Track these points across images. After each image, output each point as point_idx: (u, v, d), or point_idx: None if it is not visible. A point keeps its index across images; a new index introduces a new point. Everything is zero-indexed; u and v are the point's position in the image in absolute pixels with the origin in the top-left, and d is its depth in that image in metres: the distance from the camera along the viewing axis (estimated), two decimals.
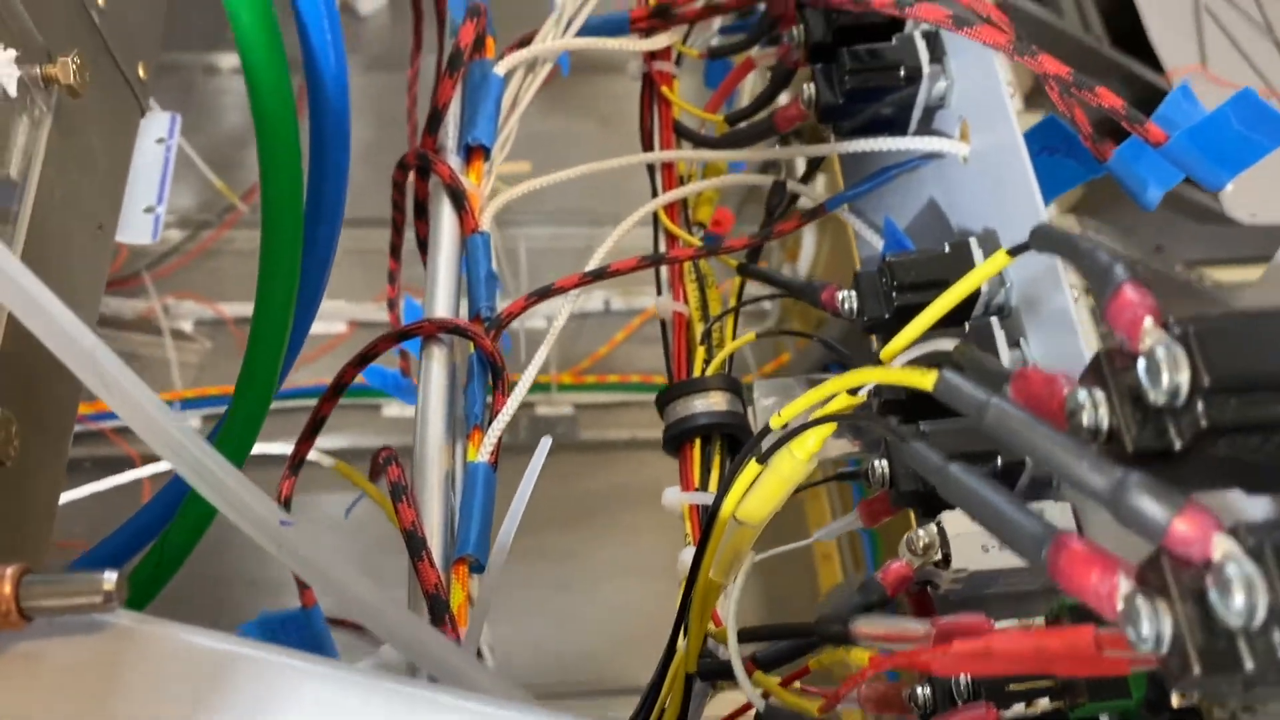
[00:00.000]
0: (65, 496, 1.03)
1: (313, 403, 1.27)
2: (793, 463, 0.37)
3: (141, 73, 0.53)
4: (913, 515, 0.48)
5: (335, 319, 1.30)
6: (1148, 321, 0.25)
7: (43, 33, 0.44)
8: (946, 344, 0.33)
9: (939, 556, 0.43)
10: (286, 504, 0.53)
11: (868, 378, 0.32)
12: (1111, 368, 0.26)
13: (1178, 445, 0.25)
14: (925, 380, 0.28)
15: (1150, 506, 0.23)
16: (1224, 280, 1.26)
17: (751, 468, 0.38)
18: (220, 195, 1.28)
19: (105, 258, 0.49)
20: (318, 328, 1.31)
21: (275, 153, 0.28)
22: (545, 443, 0.33)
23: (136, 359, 1.25)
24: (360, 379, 0.62)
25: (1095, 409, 0.26)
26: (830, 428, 0.36)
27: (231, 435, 0.33)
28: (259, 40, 0.27)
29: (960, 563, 0.43)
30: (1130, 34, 1.30)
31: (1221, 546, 0.22)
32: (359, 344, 1.48)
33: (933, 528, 0.43)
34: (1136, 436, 0.25)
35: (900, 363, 0.34)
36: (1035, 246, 0.30)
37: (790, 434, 0.36)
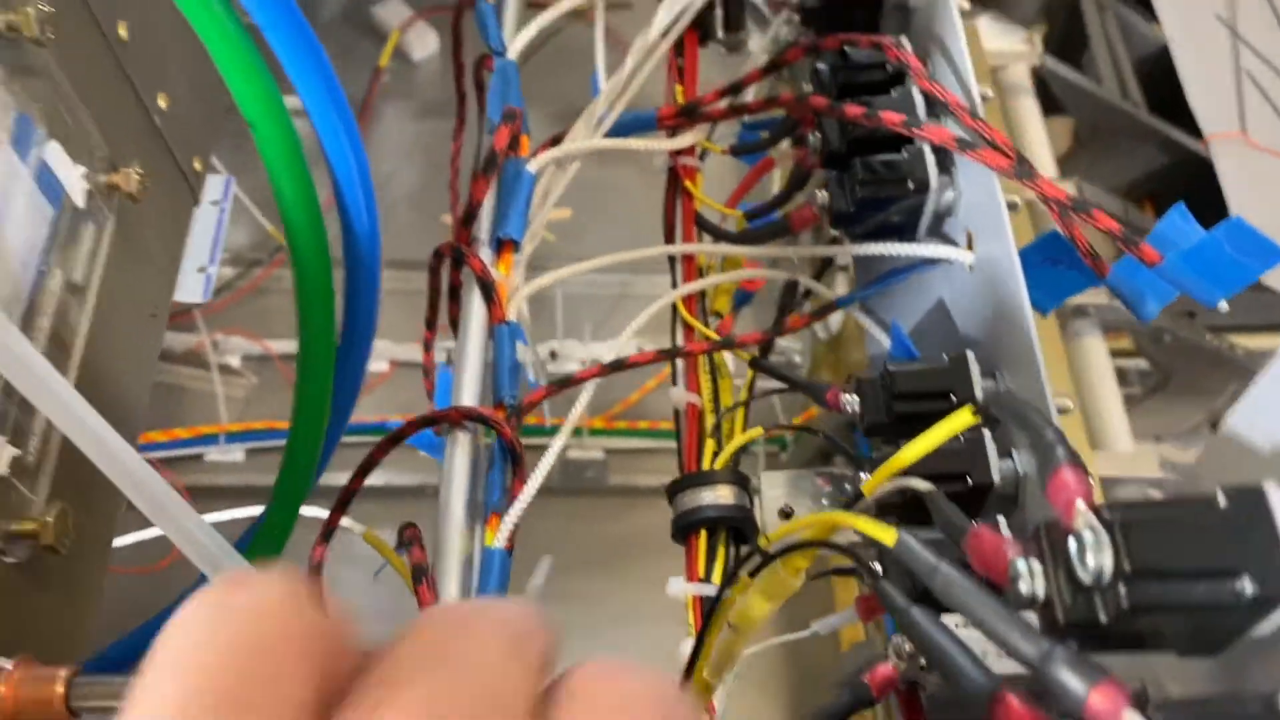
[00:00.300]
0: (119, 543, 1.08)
1: (352, 439, 1.30)
2: (781, 579, 0.40)
3: (198, 166, 0.57)
4: None
5: (378, 358, 1.34)
6: (1079, 504, 0.27)
7: (109, 143, 0.48)
8: (923, 485, 0.35)
9: (924, 661, 0.45)
10: (318, 568, 0.57)
11: (840, 522, 0.34)
12: (1049, 540, 0.29)
13: (1104, 619, 0.27)
14: (887, 536, 0.31)
15: (1070, 679, 0.26)
16: (1254, 347, 1.27)
17: (745, 581, 0.41)
18: (270, 236, 1.33)
19: (158, 341, 0.53)
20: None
21: (312, 303, 0.32)
22: (545, 562, 0.36)
23: (185, 392, 1.30)
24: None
25: (1032, 578, 0.28)
26: (814, 552, 0.38)
27: (265, 539, 0.37)
28: (300, 216, 0.30)
29: None
30: (1169, 100, 1.31)
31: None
32: (401, 383, 1.52)
33: None
34: (1068, 608, 0.28)
35: (881, 492, 0.37)
36: (994, 412, 0.33)
37: (780, 552, 0.39)
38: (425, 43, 1.51)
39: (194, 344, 1.31)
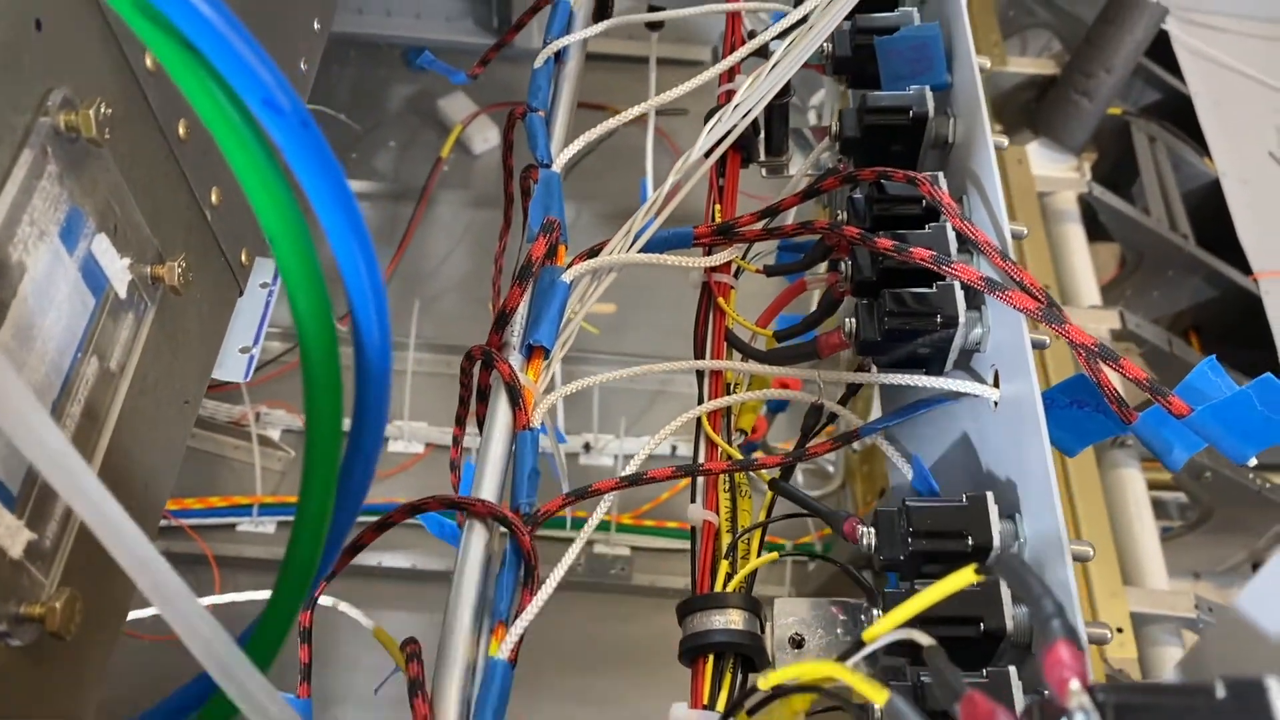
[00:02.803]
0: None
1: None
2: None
3: (244, 258, 0.59)
4: None
5: (414, 440, 1.35)
6: (1074, 684, 0.27)
7: (158, 236, 0.49)
8: (925, 640, 0.35)
9: None
10: (307, 634, 0.57)
11: (833, 674, 0.34)
12: (1043, 717, 0.28)
13: None
14: (879, 696, 0.30)
15: None
16: None
17: (743, 718, 0.40)
18: None
19: (187, 428, 0.54)
20: (397, 446, 1.36)
21: (320, 409, 0.32)
22: None
23: (224, 461, 1.32)
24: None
25: None
26: (813, 695, 0.38)
27: (264, 635, 0.37)
28: (313, 322, 0.31)
29: None
30: (1218, 234, 1.30)
31: None
32: (434, 465, 1.52)
33: None
34: None
35: (884, 642, 0.37)
36: (999, 573, 0.33)
37: (778, 694, 0.38)
38: (486, 136, 1.56)
39: (238, 414, 1.34)
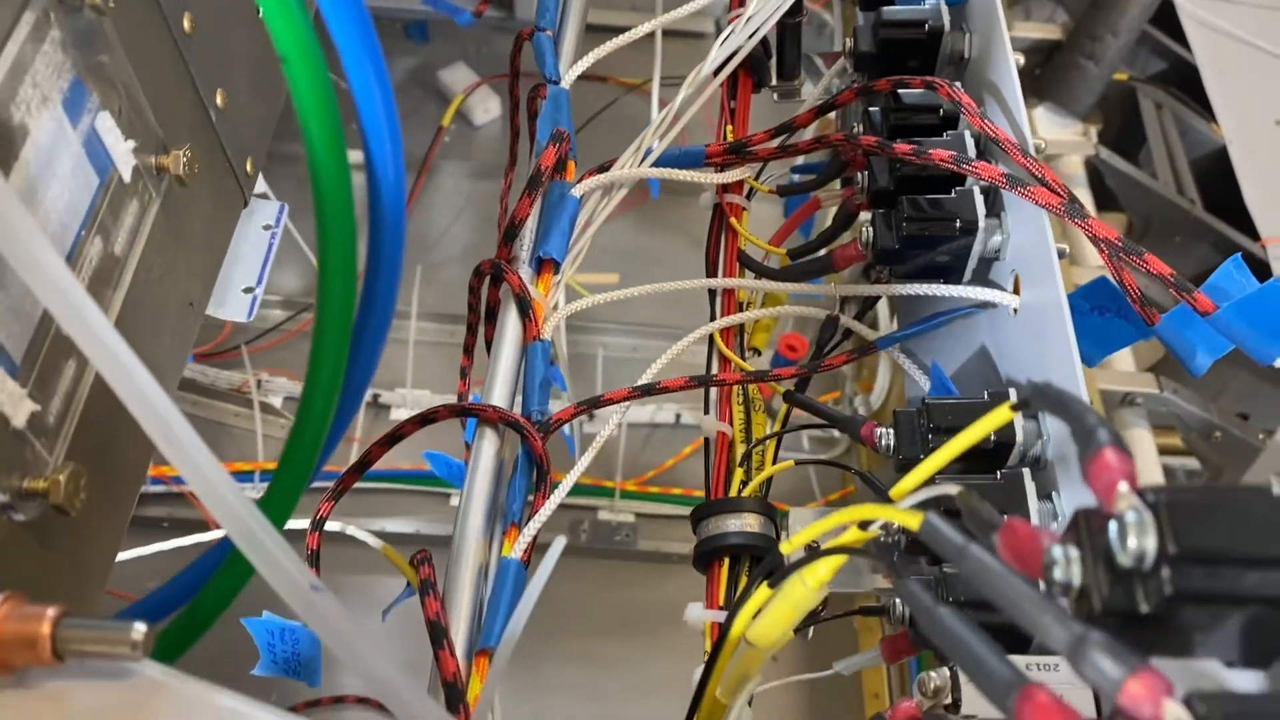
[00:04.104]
0: (140, 552, 1.08)
1: (383, 485, 1.28)
2: (803, 590, 0.38)
3: (249, 168, 0.58)
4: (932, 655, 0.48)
5: (416, 408, 1.34)
6: (1122, 486, 0.26)
7: (162, 127, 0.48)
8: (953, 488, 0.34)
9: (949, 700, 0.43)
10: (315, 557, 0.56)
11: (869, 513, 0.33)
12: (1088, 527, 0.27)
13: (1144, 609, 0.25)
14: (912, 521, 0.29)
15: (1107, 665, 0.24)
16: None
17: (763, 591, 0.39)
18: None
19: (192, 332, 0.53)
20: (399, 414, 1.35)
21: (332, 252, 0.31)
22: (559, 542, 0.34)
23: (225, 428, 1.31)
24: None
25: (1069, 565, 0.27)
26: (841, 558, 0.37)
27: (277, 493, 0.36)
28: (328, 157, 0.30)
29: (970, 709, 0.43)
30: (1225, 200, 1.29)
31: (1172, 712, 0.23)
32: (436, 432, 1.51)
33: (945, 671, 0.44)
34: (1105, 596, 0.26)
35: (909, 502, 0.35)
36: (1033, 403, 0.31)
37: (801, 561, 0.37)
38: (487, 108, 1.55)
39: (240, 382, 1.32)
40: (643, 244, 1.47)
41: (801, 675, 0.51)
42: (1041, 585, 0.28)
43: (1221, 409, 1.17)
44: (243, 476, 1.27)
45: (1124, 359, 1.14)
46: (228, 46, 0.55)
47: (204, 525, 1.21)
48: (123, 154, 0.45)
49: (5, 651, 0.31)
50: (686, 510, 1.34)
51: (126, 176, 0.45)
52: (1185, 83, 1.40)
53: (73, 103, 0.42)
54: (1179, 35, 1.40)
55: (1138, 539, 0.25)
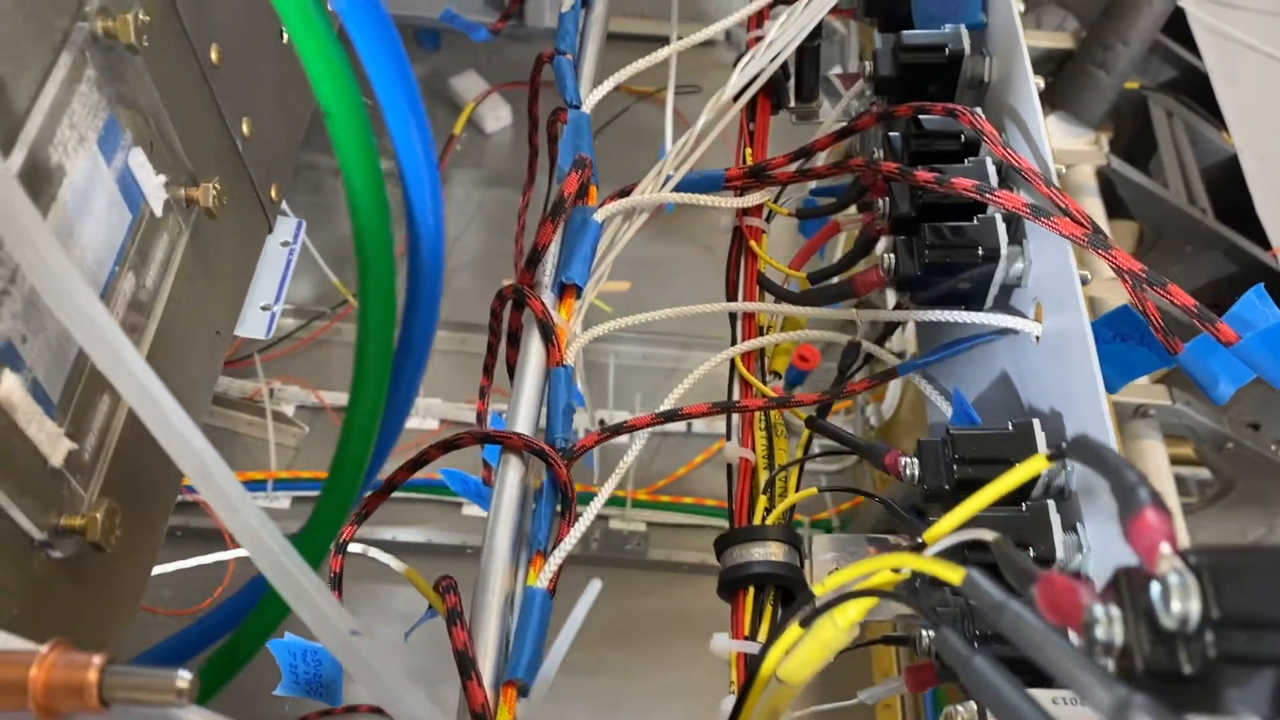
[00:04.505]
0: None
1: (400, 494, 1.28)
2: (834, 630, 0.38)
3: (274, 194, 0.58)
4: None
5: (428, 416, 1.35)
6: (1164, 547, 0.26)
7: (191, 159, 0.49)
8: (989, 535, 0.34)
9: None
10: (338, 580, 0.56)
11: (905, 562, 0.33)
12: (1130, 586, 0.27)
13: (1187, 670, 0.26)
14: (954, 576, 0.29)
15: None
16: None
17: (794, 630, 0.39)
18: (336, 290, 1.35)
19: (218, 361, 0.54)
20: (412, 423, 1.35)
21: (372, 304, 0.31)
22: (594, 586, 0.35)
23: (238, 437, 1.31)
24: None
25: (1110, 625, 0.27)
26: (871, 601, 0.37)
27: (313, 536, 0.36)
28: (369, 205, 0.30)
29: None
30: (1236, 209, 1.29)
31: None
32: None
33: (972, 705, 0.44)
34: (1148, 656, 0.26)
35: (944, 545, 0.36)
36: (1070, 455, 0.32)
37: (832, 602, 0.38)
38: (499, 115, 1.55)
39: (251, 390, 1.33)
40: (654, 251, 1.47)
41: (823, 705, 0.51)
42: (1076, 639, 0.28)
43: (1233, 420, 1.17)
44: (255, 485, 1.27)
45: None
46: (252, 74, 0.55)
47: (218, 535, 1.21)
48: (154, 189, 0.45)
49: (53, 699, 0.31)
50: (698, 519, 1.35)
51: (158, 211, 0.46)
52: (1196, 91, 1.40)
53: (107, 141, 0.42)
54: (1189, 43, 1.40)
55: (1181, 602, 0.25)
